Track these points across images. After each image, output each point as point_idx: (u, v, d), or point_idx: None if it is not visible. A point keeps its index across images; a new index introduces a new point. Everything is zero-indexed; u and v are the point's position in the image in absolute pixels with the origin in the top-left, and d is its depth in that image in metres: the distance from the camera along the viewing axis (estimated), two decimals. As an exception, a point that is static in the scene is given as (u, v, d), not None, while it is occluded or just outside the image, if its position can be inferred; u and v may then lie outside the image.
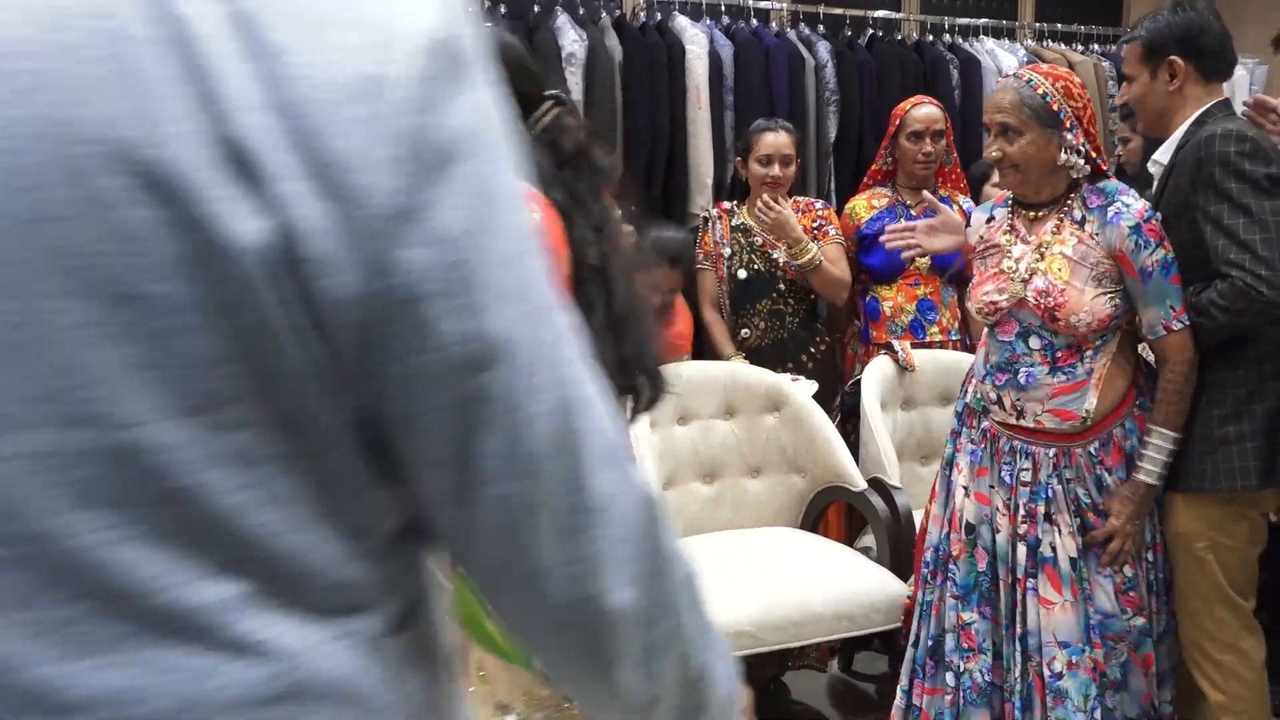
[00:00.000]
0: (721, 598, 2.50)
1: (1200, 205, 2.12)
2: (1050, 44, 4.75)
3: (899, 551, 2.73)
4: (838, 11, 4.31)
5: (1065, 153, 2.15)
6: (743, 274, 3.24)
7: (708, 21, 4.00)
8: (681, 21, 3.93)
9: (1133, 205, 2.16)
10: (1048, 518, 2.26)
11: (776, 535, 2.90)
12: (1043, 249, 2.21)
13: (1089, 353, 2.19)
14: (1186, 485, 2.21)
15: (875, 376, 3.07)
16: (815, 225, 3.28)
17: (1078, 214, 2.20)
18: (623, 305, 1.38)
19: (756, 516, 2.99)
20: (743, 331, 3.26)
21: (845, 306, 3.40)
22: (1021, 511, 2.28)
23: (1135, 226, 2.13)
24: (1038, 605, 2.25)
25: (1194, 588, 2.24)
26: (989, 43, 4.54)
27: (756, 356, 3.19)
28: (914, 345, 3.17)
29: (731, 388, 3.00)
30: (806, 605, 2.53)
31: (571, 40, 3.65)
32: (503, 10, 3.61)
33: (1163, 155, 2.29)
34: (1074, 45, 4.78)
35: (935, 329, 3.25)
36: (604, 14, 3.83)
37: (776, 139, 3.16)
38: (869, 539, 2.92)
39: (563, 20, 3.70)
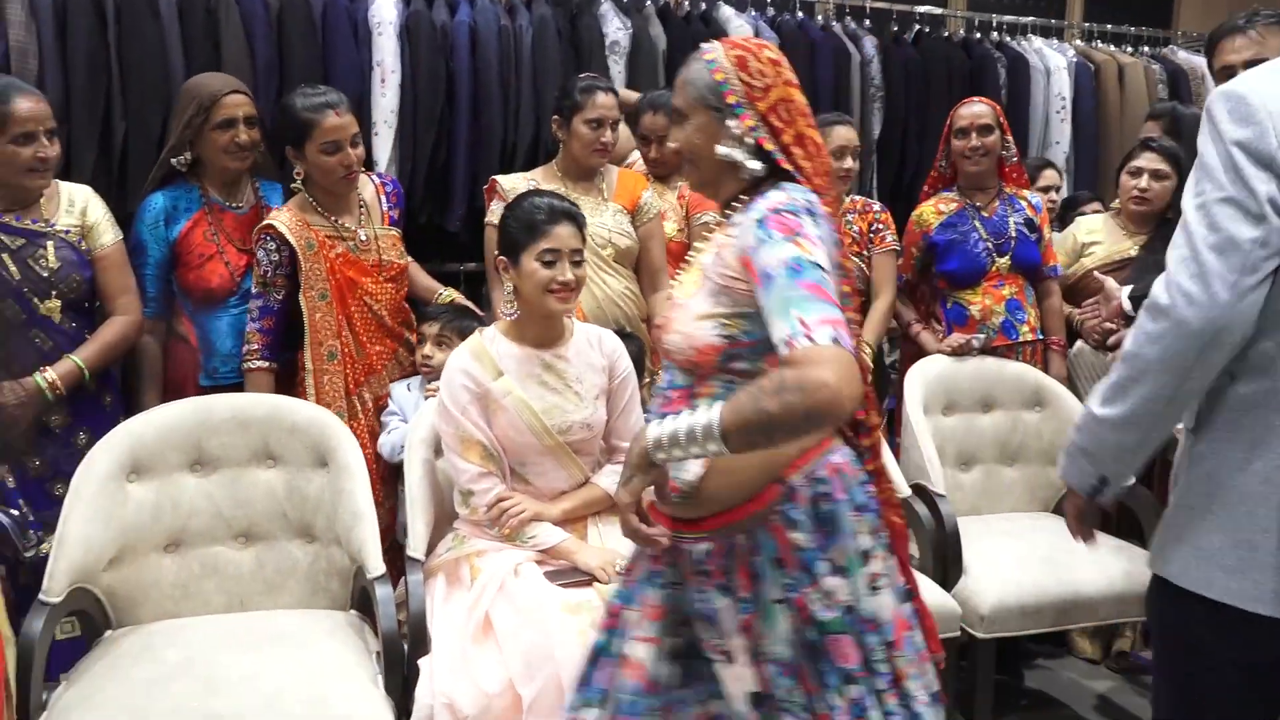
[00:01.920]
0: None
1: None
2: (1099, 44, 4.66)
3: (943, 560, 2.67)
4: (883, 5, 4.24)
5: (724, 141, 1.58)
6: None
7: (752, 12, 3.93)
8: (726, 11, 3.86)
9: (774, 196, 1.51)
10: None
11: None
12: (690, 261, 1.69)
13: (703, 401, 1.52)
14: None
15: (917, 382, 3.01)
16: (872, 229, 3.24)
17: (738, 218, 1.57)
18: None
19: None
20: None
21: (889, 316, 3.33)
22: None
23: (760, 219, 1.47)
24: None
25: None
26: (1037, 42, 4.45)
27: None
28: (1006, 346, 3.16)
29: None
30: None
31: (615, 28, 3.60)
32: (546, -4, 3.56)
33: None
34: (1124, 46, 4.69)
35: (1025, 327, 3.20)
36: (648, 2, 3.76)
37: (847, 133, 3.18)
38: (910, 547, 2.84)
39: (607, 8, 3.64)
